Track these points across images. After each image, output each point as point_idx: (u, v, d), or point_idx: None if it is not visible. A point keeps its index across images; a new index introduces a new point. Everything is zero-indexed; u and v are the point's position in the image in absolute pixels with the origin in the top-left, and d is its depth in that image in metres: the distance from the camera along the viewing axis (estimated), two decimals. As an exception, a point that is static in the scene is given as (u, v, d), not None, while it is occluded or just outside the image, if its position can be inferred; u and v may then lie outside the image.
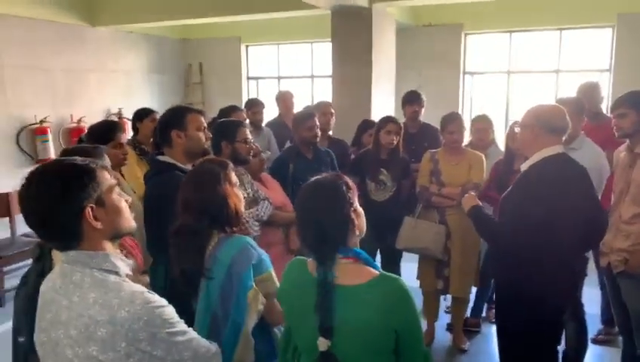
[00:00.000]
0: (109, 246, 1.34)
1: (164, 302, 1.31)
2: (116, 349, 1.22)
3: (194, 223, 1.78)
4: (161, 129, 2.44)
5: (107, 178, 1.33)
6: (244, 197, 2.74)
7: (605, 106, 4.40)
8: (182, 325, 1.34)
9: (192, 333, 1.38)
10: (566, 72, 6.36)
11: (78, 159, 1.32)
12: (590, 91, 3.88)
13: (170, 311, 1.31)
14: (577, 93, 3.88)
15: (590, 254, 3.13)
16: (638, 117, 2.60)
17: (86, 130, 3.61)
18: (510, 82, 6.74)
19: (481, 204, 2.57)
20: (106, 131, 2.91)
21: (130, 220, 1.40)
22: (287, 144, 4.49)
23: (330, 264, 1.42)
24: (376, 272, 1.45)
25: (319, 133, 3.54)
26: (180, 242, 1.79)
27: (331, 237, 1.44)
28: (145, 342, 1.24)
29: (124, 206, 1.38)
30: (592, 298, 3.49)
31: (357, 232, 1.51)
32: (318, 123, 3.52)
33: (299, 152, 3.51)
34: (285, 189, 3.20)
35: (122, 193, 1.39)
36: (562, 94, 4.29)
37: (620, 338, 3.31)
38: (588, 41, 6.30)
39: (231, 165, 1.98)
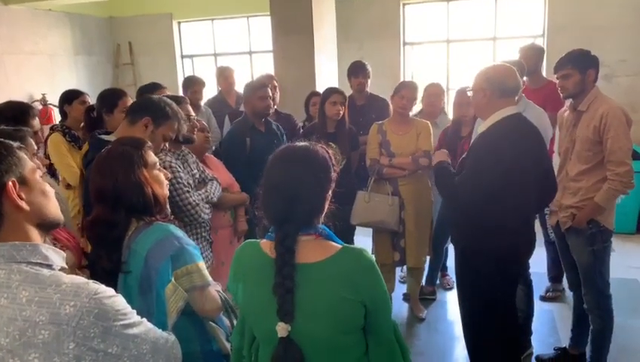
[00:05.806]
0: (35, 236, 1.15)
1: (112, 291, 1.14)
2: (63, 352, 1.04)
3: (109, 215, 1.61)
4: (134, 108, 2.16)
5: (27, 159, 1.14)
6: (194, 177, 2.59)
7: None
8: (135, 315, 1.19)
9: (147, 323, 1.23)
10: (502, 39, 6.48)
11: None
12: (535, 53, 3.92)
13: (121, 301, 1.15)
14: (519, 54, 3.91)
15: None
16: (580, 77, 2.64)
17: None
18: (449, 51, 6.79)
19: (449, 161, 2.54)
20: (14, 115, 2.46)
21: (58, 208, 1.21)
22: (226, 120, 4.30)
23: (290, 241, 1.31)
24: (339, 246, 1.36)
25: (272, 104, 3.38)
26: (96, 235, 1.62)
27: (304, 214, 1.33)
28: (97, 338, 1.07)
29: (49, 190, 1.19)
30: (537, 256, 3.60)
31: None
32: (270, 93, 3.35)
33: (253, 126, 3.32)
34: (241, 166, 3.00)
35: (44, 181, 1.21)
36: (500, 61, 4.32)
37: (568, 293, 3.44)
38: (521, 8, 6.43)
39: (148, 144, 1.76)
